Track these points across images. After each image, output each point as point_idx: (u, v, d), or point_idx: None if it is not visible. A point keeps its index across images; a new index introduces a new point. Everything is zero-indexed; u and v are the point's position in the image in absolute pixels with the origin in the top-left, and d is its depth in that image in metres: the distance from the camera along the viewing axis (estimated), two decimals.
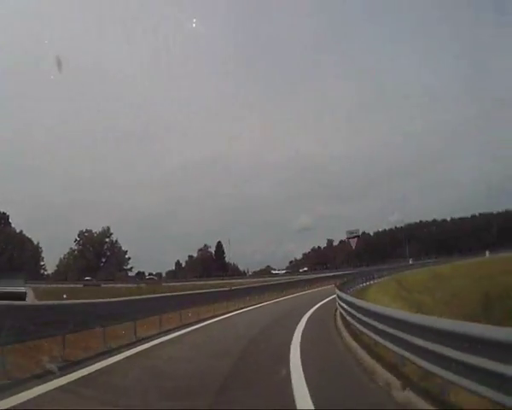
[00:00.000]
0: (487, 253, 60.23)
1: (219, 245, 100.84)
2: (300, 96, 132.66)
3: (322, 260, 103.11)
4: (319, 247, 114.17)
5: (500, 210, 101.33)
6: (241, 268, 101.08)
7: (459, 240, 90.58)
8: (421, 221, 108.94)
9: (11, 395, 5.55)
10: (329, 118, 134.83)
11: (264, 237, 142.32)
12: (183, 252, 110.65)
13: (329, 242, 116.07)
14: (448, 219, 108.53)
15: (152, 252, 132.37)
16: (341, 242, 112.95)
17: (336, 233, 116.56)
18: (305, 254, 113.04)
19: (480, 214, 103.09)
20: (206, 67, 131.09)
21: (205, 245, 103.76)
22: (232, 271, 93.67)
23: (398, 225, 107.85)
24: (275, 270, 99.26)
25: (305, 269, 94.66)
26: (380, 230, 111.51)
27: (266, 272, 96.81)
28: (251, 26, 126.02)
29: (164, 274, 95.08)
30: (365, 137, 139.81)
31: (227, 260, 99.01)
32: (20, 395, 5.57)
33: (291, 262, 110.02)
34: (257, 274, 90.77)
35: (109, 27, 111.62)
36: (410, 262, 56.62)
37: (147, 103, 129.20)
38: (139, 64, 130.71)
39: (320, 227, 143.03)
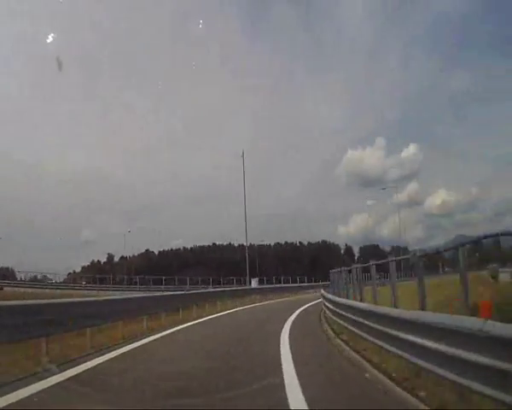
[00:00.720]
0: None
1: None
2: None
3: (102, 275, 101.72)
4: (99, 261, 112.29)
5: (312, 241, 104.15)
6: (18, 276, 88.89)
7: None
8: (214, 244, 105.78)
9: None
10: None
11: (45, 245, 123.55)
12: None
13: (110, 256, 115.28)
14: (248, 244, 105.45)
15: None
16: (122, 258, 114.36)
17: (118, 249, 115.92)
18: (84, 267, 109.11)
19: (286, 243, 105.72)
20: None
21: None
22: (6, 276, 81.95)
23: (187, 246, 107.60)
24: (51, 280, 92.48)
25: (84, 283, 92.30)
26: (166, 249, 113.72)
27: (41, 281, 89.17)
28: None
29: None
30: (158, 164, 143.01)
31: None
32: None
33: (69, 274, 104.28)
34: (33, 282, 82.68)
35: None
36: (253, 285, 48.44)
37: None
38: None
39: (102, 242, 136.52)
